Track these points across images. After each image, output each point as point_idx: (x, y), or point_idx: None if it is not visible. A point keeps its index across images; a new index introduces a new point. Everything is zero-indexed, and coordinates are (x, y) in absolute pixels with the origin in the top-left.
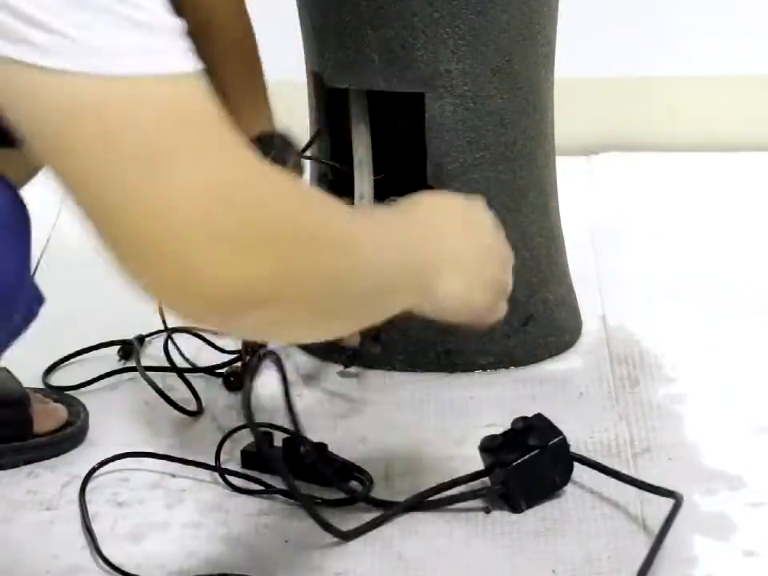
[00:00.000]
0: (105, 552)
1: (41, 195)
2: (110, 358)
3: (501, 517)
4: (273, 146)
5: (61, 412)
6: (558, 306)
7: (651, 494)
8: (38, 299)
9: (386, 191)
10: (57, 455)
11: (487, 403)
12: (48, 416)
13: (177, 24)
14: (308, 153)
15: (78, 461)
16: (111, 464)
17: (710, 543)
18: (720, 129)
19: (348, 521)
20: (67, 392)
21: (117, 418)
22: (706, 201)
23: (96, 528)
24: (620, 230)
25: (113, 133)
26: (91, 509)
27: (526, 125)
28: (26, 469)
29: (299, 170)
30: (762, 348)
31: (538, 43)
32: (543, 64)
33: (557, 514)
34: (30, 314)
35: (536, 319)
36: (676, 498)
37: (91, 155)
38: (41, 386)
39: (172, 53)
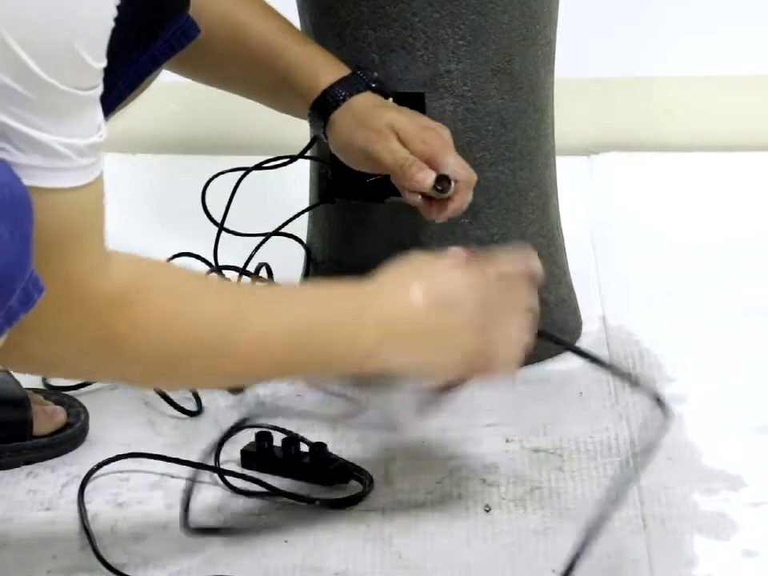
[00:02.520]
0: (105, 552)
1: None
2: None
3: (501, 516)
4: (372, 79)
5: (60, 414)
6: (557, 306)
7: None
8: (37, 287)
9: (386, 191)
10: (56, 456)
11: (487, 403)
12: (47, 418)
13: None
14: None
15: (78, 461)
16: (111, 464)
17: (710, 543)
18: (720, 129)
19: (348, 521)
20: (67, 392)
21: (117, 418)
22: (705, 201)
23: (96, 528)
24: (620, 230)
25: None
26: (91, 509)
27: (526, 125)
28: (26, 469)
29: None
30: (762, 348)
31: (538, 43)
32: (543, 64)
33: (557, 513)
34: (28, 300)
35: (536, 319)
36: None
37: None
38: (41, 386)
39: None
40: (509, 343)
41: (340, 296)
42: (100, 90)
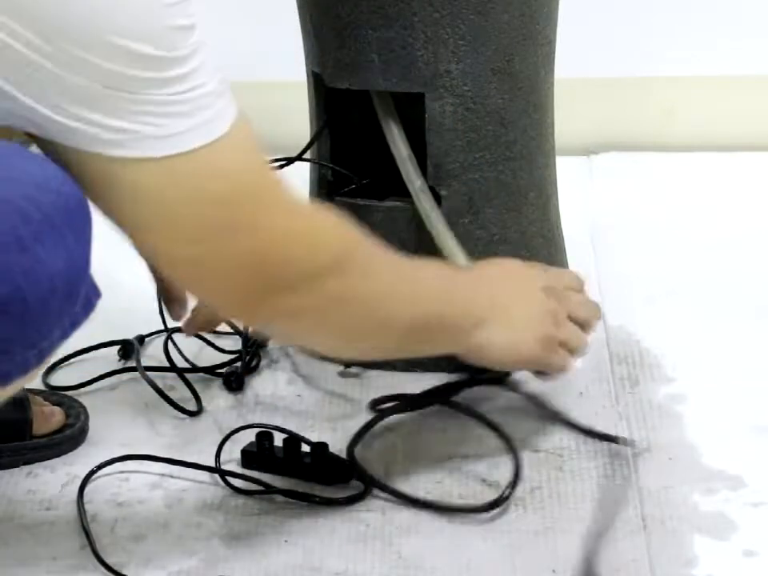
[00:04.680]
0: (105, 552)
1: None
2: (109, 358)
3: (501, 517)
4: None
5: (58, 415)
6: None
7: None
8: (95, 291)
9: (386, 191)
10: (56, 456)
11: (487, 403)
12: (46, 419)
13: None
14: (308, 153)
15: (78, 461)
16: (111, 464)
17: (710, 543)
18: (720, 129)
19: (348, 521)
20: (67, 392)
21: (117, 418)
22: (705, 201)
23: (96, 528)
24: (620, 230)
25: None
26: (91, 509)
27: (526, 125)
28: (25, 469)
29: None
30: (761, 348)
31: (538, 43)
32: (543, 64)
33: (557, 513)
34: (89, 306)
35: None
36: (628, 444)
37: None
38: (41, 386)
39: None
40: (572, 344)
41: (460, 273)
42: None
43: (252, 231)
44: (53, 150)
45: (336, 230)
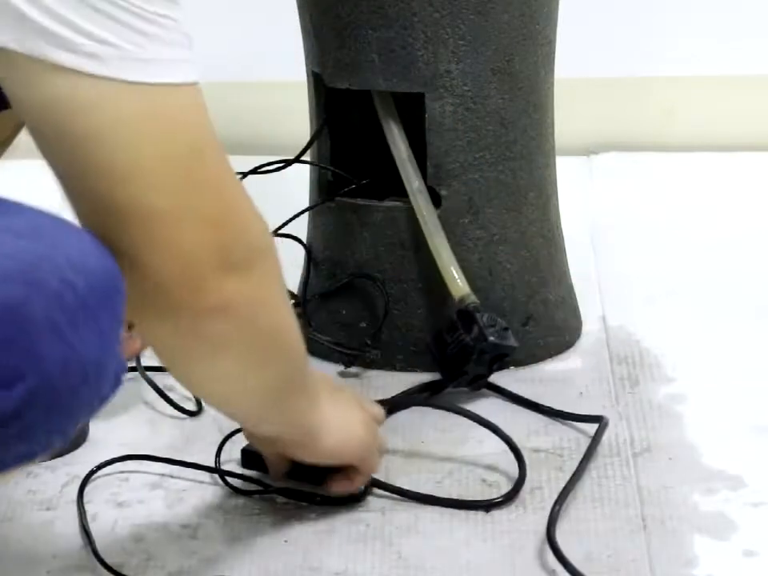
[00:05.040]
0: (105, 552)
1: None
2: None
3: (501, 516)
4: None
5: None
6: (557, 306)
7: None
8: (122, 365)
9: (386, 191)
10: (56, 457)
11: (487, 403)
12: None
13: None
14: (308, 153)
15: (78, 461)
16: (111, 464)
17: (710, 543)
18: (720, 129)
19: (348, 521)
20: None
21: (117, 417)
22: (705, 201)
23: (96, 528)
24: (620, 230)
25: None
26: (91, 509)
27: (526, 125)
28: (25, 469)
29: None
30: (761, 348)
31: (538, 43)
32: (543, 64)
33: (557, 513)
34: (117, 382)
35: (536, 319)
36: (601, 421)
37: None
38: None
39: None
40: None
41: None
42: None
43: (219, 190)
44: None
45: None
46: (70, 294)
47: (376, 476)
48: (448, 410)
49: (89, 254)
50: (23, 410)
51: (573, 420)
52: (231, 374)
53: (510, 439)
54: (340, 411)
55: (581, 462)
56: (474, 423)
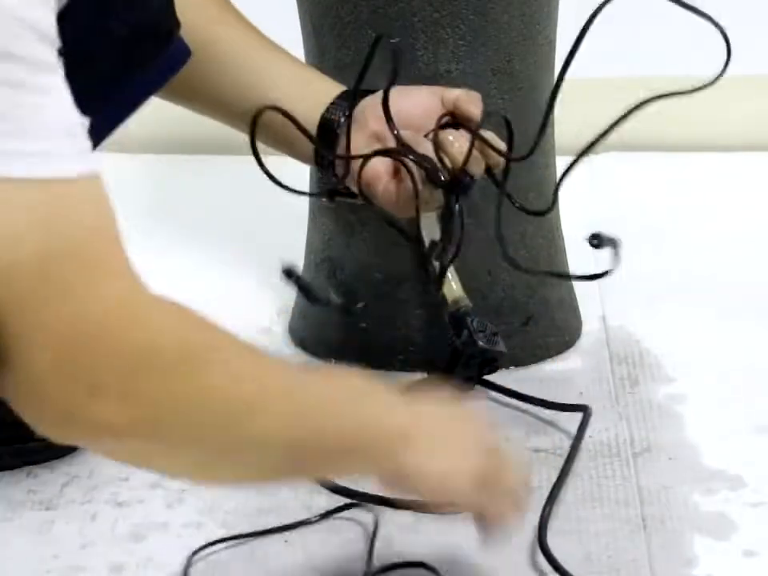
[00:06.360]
0: (105, 552)
1: None
2: None
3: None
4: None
5: None
6: (557, 306)
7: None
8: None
9: None
10: (57, 458)
11: (487, 403)
12: None
13: (76, 124)
14: None
15: (78, 461)
16: (111, 464)
17: (710, 543)
18: (720, 129)
19: (348, 521)
20: None
21: None
22: (705, 201)
23: (96, 528)
24: (620, 230)
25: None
26: (91, 509)
27: (526, 125)
28: (25, 469)
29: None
30: (761, 348)
31: (538, 43)
32: (543, 64)
33: (556, 513)
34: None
35: (536, 319)
36: (585, 410)
37: None
38: None
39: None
40: (513, 490)
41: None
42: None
43: (77, 299)
44: None
45: (183, 319)
46: None
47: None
48: None
49: None
50: None
51: (555, 409)
52: (205, 465)
53: None
54: (432, 446)
55: (568, 457)
56: None
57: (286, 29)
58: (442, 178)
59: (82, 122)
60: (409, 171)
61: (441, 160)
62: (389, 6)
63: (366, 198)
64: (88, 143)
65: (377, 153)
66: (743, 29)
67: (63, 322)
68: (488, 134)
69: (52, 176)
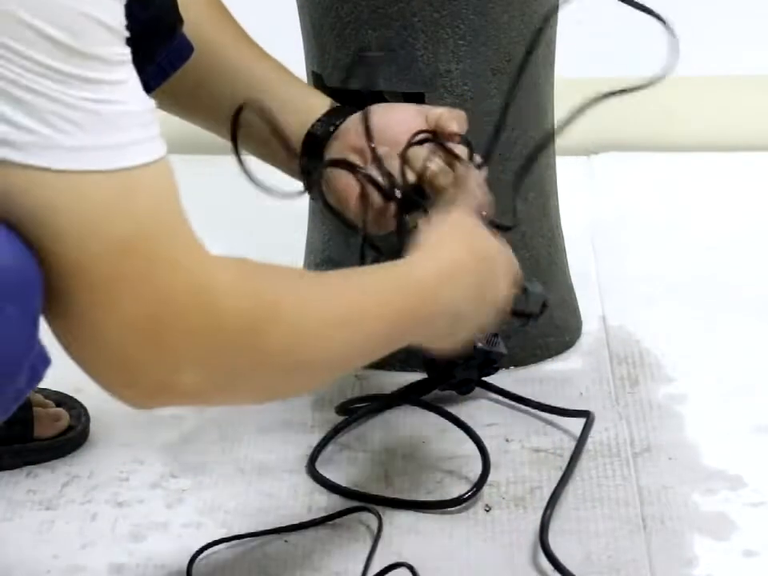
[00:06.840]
0: (105, 552)
1: None
2: None
3: (501, 517)
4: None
5: (62, 419)
6: (557, 306)
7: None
8: (43, 360)
9: None
10: (57, 458)
11: (487, 403)
12: (50, 421)
13: (148, 110)
14: None
15: (78, 461)
16: (111, 464)
17: (710, 543)
18: (720, 129)
19: (348, 521)
20: (67, 392)
21: (117, 418)
22: (705, 201)
23: (96, 528)
24: (620, 230)
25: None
26: (91, 509)
27: (526, 125)
28: (26, 469)
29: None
30: (761, 348)
31: (538, 43)
32: (543, 64)
33: (557, 513)
34: (35, 377)
35: (547, 308)
36: (588, 416)
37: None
38: (40, 385)
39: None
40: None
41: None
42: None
43: (160, 279)
44: None
45: (248, 287)
46: None
47: (375, 477)
48: (423, 407)
49: None
50: None
51: (558, 414)
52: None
53: (476, 435)
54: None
55: (570, 460)
56: (475, 423)
57: (286, 29)
58: (396, 194)
59: (151, 107)
60: (361, 184)
61: (404, 176)
62: (389, 6)
63: (335, 211)
64: (157, 126)
65: (331, 163)
66: (744, 29)
67: (152, 301)
68: (459, 149)
69: (129, 164)
